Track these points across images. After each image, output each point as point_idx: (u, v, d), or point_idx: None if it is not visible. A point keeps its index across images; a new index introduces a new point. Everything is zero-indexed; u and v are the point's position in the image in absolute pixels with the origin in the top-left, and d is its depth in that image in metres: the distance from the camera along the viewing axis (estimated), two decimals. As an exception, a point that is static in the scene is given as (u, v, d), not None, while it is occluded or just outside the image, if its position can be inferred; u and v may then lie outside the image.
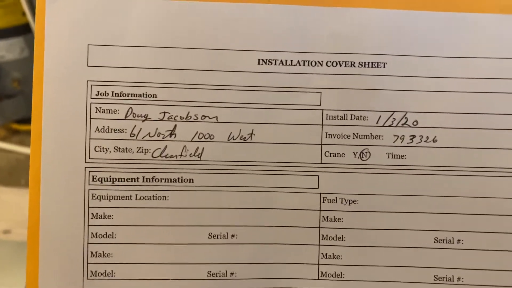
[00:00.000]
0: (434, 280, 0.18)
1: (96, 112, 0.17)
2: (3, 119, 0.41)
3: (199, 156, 0.18)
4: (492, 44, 0.18)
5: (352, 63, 0.18)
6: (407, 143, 0.18)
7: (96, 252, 0.17)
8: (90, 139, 0.17)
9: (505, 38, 0.18)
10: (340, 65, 0.18)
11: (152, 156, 0.17)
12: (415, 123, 0.18)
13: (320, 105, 0.18)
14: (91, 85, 0.17)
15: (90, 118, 0.17)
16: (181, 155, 0.18)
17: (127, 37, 0.17)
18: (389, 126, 0.18)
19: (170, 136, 0.17)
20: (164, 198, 0.18)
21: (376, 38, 0.18)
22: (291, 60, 0.18)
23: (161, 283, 0.18)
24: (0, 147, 0.40)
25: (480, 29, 0.18)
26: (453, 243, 0.18)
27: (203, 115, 0.17)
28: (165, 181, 0.18)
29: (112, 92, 0.17)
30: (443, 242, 0.18)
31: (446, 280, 0.18)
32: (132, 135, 0.17)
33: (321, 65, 0.18)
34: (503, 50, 0.18)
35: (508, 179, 0.18)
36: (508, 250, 0.18)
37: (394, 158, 0.18)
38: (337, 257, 0.18)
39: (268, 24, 0.17)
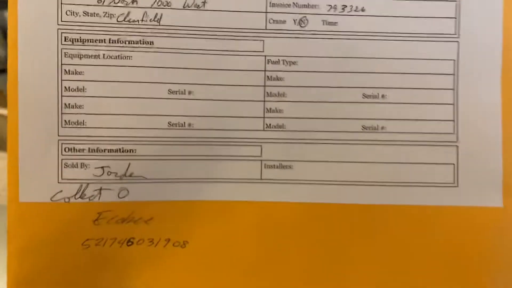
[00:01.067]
0: (362, 129, 0.21)
1: (66, -20, 0.20)
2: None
3: (158, 21, 0.20)
4: None
5: None
6: (339, 12, 0.21)
7: (69, 104, 0.20)
8: (61, 4, 0.20)
9: None
10: None
11: (117, 21, 0.20)
12: None
13: None
14: (61, -45, 0.19)
15: (61, -14, 0.20)
16: (142, 20, 0.20)
17: None
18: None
19: (133, 3, 0.20)
20: (128, 58, 0.20)
21: None
22: None
23: (126, 131, 0.20)
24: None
25: None
26: (378, 97, 0.21)
27: None
28: (128, 43, 0.20)
29: (80, -38, 0.20)
30: (370, 97, 0.21)
31: (372, 129, 0.21)
32: (99, 1, 0.20)
33: None
34: None
35: (428, 43, 0.21)
36: (425, 103, 0.21)
37: (328, 25, 0.21)
38: (279, 111, 0.21)
39: None
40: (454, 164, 0.21)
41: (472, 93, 0.21)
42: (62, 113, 0.20)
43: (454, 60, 0.21)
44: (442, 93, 0.21)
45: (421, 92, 0.21)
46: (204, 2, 0.20)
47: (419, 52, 0.21)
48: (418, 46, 0.21)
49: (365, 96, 0.21)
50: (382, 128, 0.21)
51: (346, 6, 0.21)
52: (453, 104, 0.21)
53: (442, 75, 0.21)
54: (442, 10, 0.21)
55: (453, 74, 0.21)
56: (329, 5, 0.21)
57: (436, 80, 0.21)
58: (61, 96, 0.20)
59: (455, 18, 0.21)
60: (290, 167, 0.21)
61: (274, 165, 0.21)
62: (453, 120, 0.21)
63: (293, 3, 0.21)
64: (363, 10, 0.21)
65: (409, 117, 0.21)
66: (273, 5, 0.20)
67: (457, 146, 0.21)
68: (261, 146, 0.21)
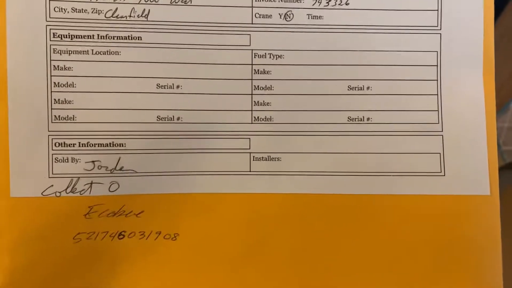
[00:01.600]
0: (347, 120, 0.21)
1: (54, -22, 0.20)
2: None
3: (146, 16, 0.20)
4: None
5: None
6: (324, 5, 0.21)
7: (58, 99, 0.20)
8: (50, 0, 0.20)
9: None
10: None
11: (105, 17, 0.20)
12: None
13: None
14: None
15: (49, -17, 0.20)
16: (130, 16, 0.20)
17: None
18: None
19: (120, -1, 0.20)
20: (116, 53, 0.20)
21: None
22: None
23: (115, 125, 0.20)
24: None
25: None
26: (363, 89, 0.21)
27: None
28: (116, 39, 0.20)
29: (68, -41, 0.20)
30: (355, 89, 0.21)
31: (358, 120, 0.21)
32: (87, -2, 0.20)
33: None
34: None
35: (411, 35, 0.21)
36: (409, 94, 0.21)
37: (314, 18, 0.21)
38: (267, 104, 0.21)
39: None
40: (440, 153, 0.21)
41: (455, 84, 0.21)
42: (52, 109, 0.20)
43: (436, 51, 0.21)
44: (426, 84, 0.21)
45: (405, 83, 0.21)
46: (191, -2, 0.21)
47: (402, 44, 0.21)
48: (402, 38, 0.21)
49: (350, 88, 0.21)
50: (368, 119, 0.21)
51: (330, 0, 0.21)
52: (436, 94, 0.21)
53: (425, 66, 0.21)
54: (424, 2, 0.21)
55: (436, 66, 0.21)
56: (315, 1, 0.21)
57: (420, 71, 0.21)
58: (51, 91, 0.20)
59: (437, 10, 0.21)
60: (278, 159, 0.21)
61: (262, 158, 0.21)
62: (437, 110, 0.21)
63: (280, -5, 0.21)
64: (347, 3, 0.21)
65: (394, 108, 0.21)
66: (259, -1, 0.21)
67: (442, 136, 0.21)
68: (249, 138, 0.21)
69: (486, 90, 0.21)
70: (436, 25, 0.21)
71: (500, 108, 0.67)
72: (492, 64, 0.21)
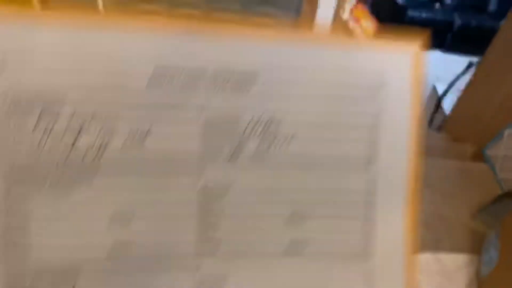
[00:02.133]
0: (288, 246, 0.23)
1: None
2: None
3: (98, 159, 0.21)
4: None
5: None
6: (270, 144, 0.22)
7: None
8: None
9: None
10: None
11: (59, 160, 0.21)
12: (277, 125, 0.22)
13: None
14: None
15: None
16: (82, 161, 0.21)
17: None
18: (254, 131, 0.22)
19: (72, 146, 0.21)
20: (69, 194, 0.21)
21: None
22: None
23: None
24: None
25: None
26: (304, 219, 0.23)
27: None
28: (69, 181, 0.21)
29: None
30: (295, 219, 0.23)
31: (297, 247, 0.23)
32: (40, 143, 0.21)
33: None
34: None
35: (344, 172, 0.23)
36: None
37: (259, 161, 0.22)
38: (212, 238, 0.22)
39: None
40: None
41: (380, 219, 0.23)
42: None
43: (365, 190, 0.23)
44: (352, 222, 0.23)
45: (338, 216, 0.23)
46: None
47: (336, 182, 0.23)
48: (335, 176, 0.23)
49: (290, 219, 0.23)
50: (306, 243, 0.23)
51: (275, 138, 0.22)
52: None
53: (354, 202, 0.23)
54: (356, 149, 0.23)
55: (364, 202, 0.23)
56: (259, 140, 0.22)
57: (350, 207, 0.23)
58: None
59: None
60: None
61: None
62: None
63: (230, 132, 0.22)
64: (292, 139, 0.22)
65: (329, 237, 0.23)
66: (211, 131, 0.22)
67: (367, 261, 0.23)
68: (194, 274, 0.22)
69: (406, 228, 0.23)
70: (365, 168, 0.23)
71: (494, 136, 0.66)
72: (415, 206, 0.23)
